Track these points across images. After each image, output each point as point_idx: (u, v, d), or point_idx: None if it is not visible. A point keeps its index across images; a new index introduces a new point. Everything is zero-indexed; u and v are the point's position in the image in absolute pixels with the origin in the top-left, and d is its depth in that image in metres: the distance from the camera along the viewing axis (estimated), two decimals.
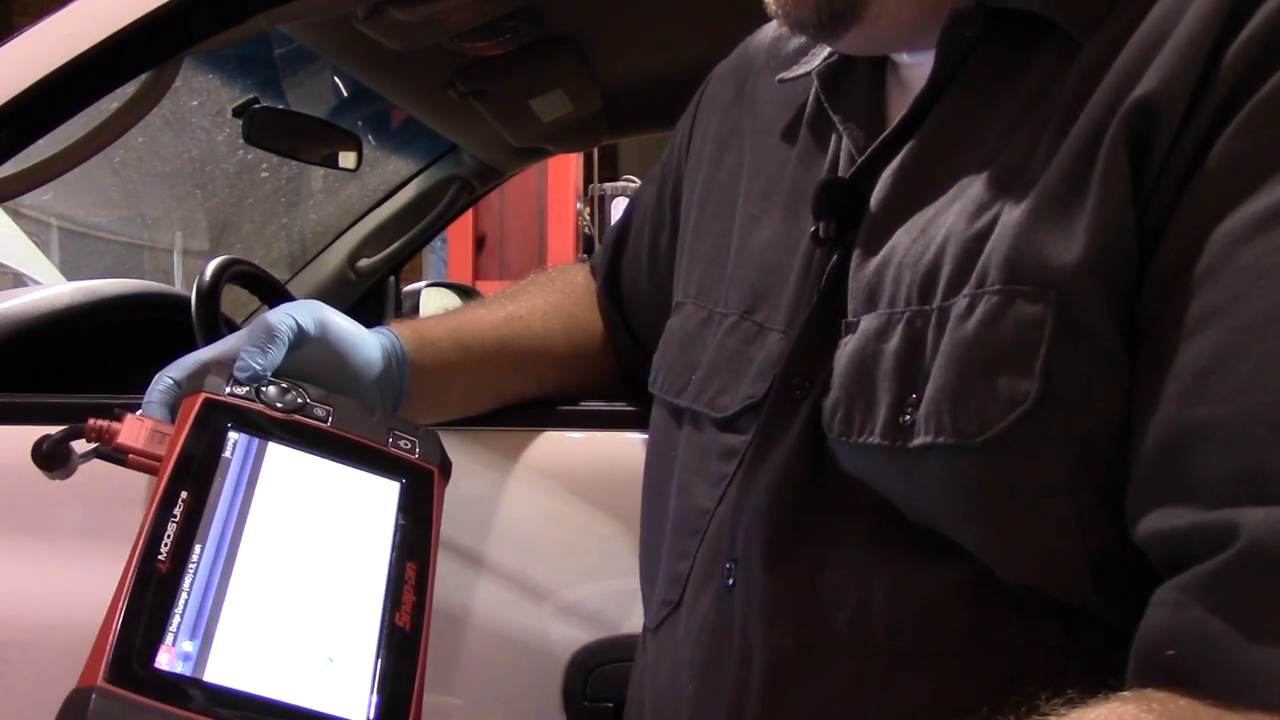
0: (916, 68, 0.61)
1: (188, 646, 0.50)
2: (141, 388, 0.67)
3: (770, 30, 0.77)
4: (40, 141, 0.90)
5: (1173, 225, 0.47)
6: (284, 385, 0.66)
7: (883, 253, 0.56)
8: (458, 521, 0.78)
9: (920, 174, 0.57)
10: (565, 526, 0.83)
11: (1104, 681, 0.44)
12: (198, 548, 0.54)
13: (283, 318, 0.68)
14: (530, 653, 0.81)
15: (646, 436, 0.76)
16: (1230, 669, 0.41)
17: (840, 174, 0.62)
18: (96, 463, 0.63)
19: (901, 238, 0.55)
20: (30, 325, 1.11)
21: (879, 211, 0.58)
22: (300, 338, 0.68)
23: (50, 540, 0.80)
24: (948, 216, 0.54)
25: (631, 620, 0.79)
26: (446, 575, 0.80)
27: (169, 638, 0.50)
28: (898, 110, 0.61)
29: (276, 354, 0.66)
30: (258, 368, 0.65)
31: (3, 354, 1.07)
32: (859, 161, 0.60)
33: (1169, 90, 0.47)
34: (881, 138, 0.60)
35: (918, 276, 0.53)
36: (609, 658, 0.80)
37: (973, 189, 0.53)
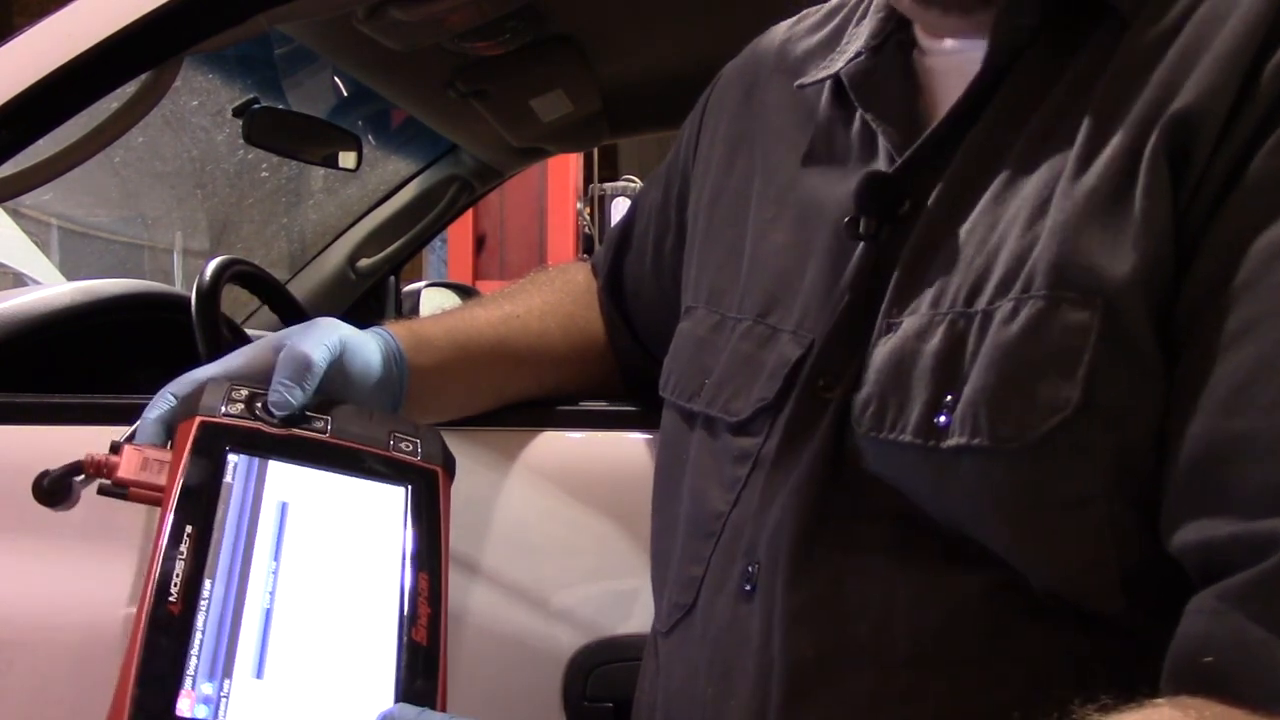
0: (949, 57, 0.61)
1: (207, 689, 0.50)
2: (141, 387, 0.66)
3: (780, 32, 0.76)
4: (40, 141, 0.90)
5: (1210, 239, 0.47)
6: None
7: (932, 253, 0.56)
8: (459, 522, 0.78)
9: (971, 174, 0.56)
10: (565, 526, 0.83)
11: (1133, 690, 0.44)
12: (208, 583, 0.53)
13: (316, 349, 0.66)
14: (530, 653, 0.80)
15: (650, 437, 0.76)
16: (1269, 676, 0.41)
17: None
18: None
19: (953, 240, 0.55)
20: (30, 325, 1.10)
21: (933, 210, 0.57)
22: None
23: (51, 540, 0.80)
24: (1000, 222, 0.53)
25: (631, 621, 0.79)
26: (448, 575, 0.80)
27: (188, 682, 0.50)
28: (933, 103, 0.61)
29: (312, 386, 0.65)
30: (295, 404, 0.63)
31: (3, 354, 1.06)
32: (900, 160, 0.59)
33: (1208, 104, 0.47)
34: (927, 134, 0.58)
35: (968, 280, 0.53)
36: (609, 658, 0.80)
37: (1023, 192, 0.53)
